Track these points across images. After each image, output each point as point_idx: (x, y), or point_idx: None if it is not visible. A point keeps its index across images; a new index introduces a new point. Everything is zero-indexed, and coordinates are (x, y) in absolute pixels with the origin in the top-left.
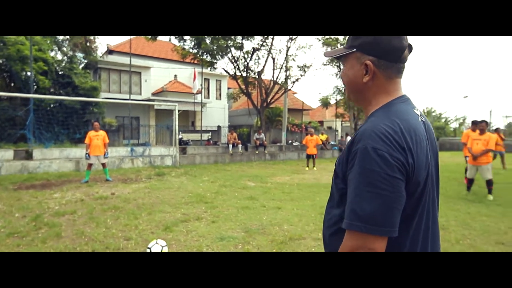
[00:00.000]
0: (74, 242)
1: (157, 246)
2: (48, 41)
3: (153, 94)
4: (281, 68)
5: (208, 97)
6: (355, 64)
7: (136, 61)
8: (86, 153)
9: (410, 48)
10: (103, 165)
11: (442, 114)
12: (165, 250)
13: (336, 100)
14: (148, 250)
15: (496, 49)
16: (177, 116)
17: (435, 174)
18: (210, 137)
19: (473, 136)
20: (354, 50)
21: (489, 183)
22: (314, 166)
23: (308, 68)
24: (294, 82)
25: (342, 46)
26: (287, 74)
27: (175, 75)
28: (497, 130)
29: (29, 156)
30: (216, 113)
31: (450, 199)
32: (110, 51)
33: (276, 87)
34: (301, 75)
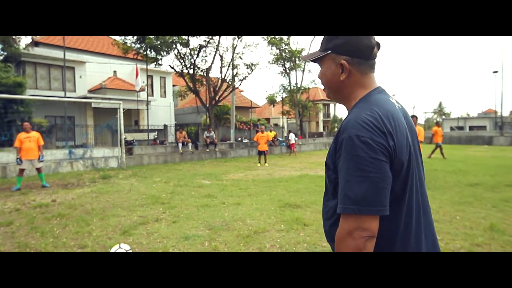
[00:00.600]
0: None
1: (121, 250)
2: None
3: (89, 92)
4: (228, 66)
5: (153, 95)
6: (331, 65)
7: (69, 55)
8: (17, 158)
9: (378, 45)
10: (38, 170)
11: None
12: None
13: (282, 97)
14: None
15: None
16: (121, 114)
17: (419, 155)
18: (156, 136)
19: None
20: (329, 52)
21: None
22: (265, 162)
23: (255, 66)
24: (241, 80)
25: (317, 49)
26: (235, 72)
27: (115, 71)
28: (437, 124)
29: None
30: (161, 112)
31: None
32: (35, 43)
33: (224, 85)
34: (248, 73)
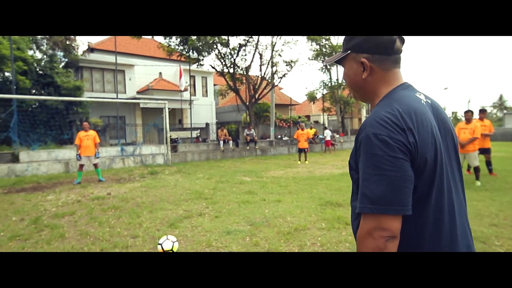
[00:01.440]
0: (80, 242)
1: (168, 241)
2: (26, 40)
3: (138, 93)
4: (268, 64)
5: (195, 94)
6: (352, 64)
7: (119, 59)
8: (77, 154)
9: (401, 39)
10: (95, 165)
11: None
12: (176, 245)
13: (322, 94)
14: (159, 246)
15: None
16: (167, 114)
17: (452, 152)
18: (199, 134)
19: (460, 126)
20: (349, 51)
21: (476, 169)
22: (306, 160)
23: (295, 63)
24: (281, 77)
25: (339, 51)
26: (274, 70)
27: (160, 73)
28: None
29: (15, 159)
30: (203, 110)
31: None
32: (91, 49)
33: (264, 83)
34: (288, 70)
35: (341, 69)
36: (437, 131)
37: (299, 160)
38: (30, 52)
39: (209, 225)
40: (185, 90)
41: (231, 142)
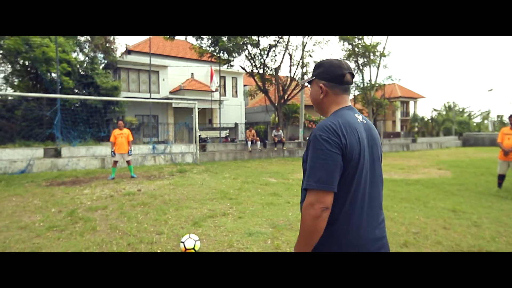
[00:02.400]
0: (110, 235)
1: (190, 240)
2: (71, 43)
3: (170, 93)
4: (298, 64)
5: (225, 95)
6: (315, 87)
7: (154, 60)
8: (112, 151)
9: (351, 74)
10: (128, 162)
11: (465, 108)
12: (198, 244)
13: (354, 95)
14: (181, 244)
15: None
16: (197, 113)
17: (376, 158)
18: (227, 134)
19: (504, 131)
20: (314, 78)
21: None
22: None
23: None
24: None
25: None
26: (304, 70)
27: (192, 74)
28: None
29: (57, 154)
30: (232, 111)
31: (481, 196)
32: (128, 51)
33: (293, 83)
34: None
35: (374, 69)
36: (363, 140)
37: None
38: (74, 54)
39: (232, 226)
40: (216, 90)
41: (258, 142)
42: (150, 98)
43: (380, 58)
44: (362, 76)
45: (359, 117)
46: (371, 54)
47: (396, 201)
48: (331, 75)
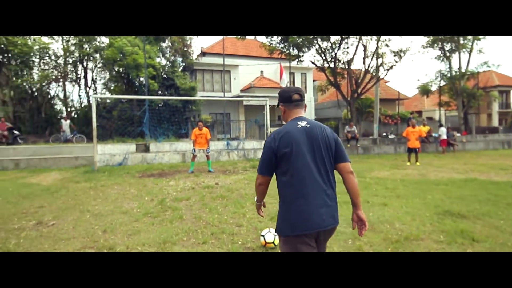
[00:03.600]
0: (195, 224)
1: (270, 234)
2: (155, 49)
3: (241, 91)
4: (372, 56)
5: None
6: (280, 107)
7: (226, 61)
8: (193, 148)
9: (298, 94)
10: (207, 157)
11: None
12: (277, 238)
13: (439, 86)
14: (262, 238)
15: None
16: (268, 110)
17: (317, 151)
18: None
19: None
20: (278, 104)
21: None
22: (417, 161)
23: (405, 53)
24: (387, 69)
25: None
26: (380, 62)
27: (262, 71)
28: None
29: (146, 149)
30: None
31: None
32: (203, 53)
33: (368, 76)
34: (396, 62)
35: (464, 56)
36: (298, 140)
37: (409, 161)
38: (158, 60)
39: None
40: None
41: None
42: (223, 96)
43: (473, 42)
44: (450, 64)
45: (302, 124)
46: (461, 38)
47: (501, 207)
48: (283, 98)
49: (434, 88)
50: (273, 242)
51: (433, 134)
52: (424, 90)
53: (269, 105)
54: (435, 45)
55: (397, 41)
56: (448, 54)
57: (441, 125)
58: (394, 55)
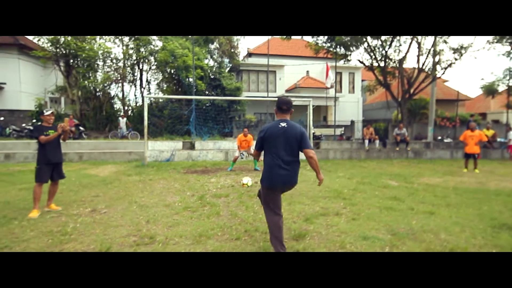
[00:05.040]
0: (230, 221)
1: (248, 179)
2: (204, 51)
3: (286, 91)
4: (428, 53)
5: (341, 91)
6: (274, 110)
7: (271, 61)
8: (240, 153)
9: (286, 105)
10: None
11: None
12: (250, 183)
13: (507, 86)
14: (243, 180)
15: None
16: (311, 111)
17: (285, 141)
18: (343, 132)
19: None
20: (275, 108)
21: None
22: (475, 168)
23: (466, 50)
24: (445, 68)
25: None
26: (436, 60)
27: (307, 71)
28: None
29: (192, 146)
30: (349, 107)
31: None
32: (249, 54)
33: (422, 75)
34: (456, 59)
35: None
36: (276, 134)
37: (466, 167)
38: (206, 61)
39: (345, 226)
40: (331, 87)
41: (377, 141)
42: (267, 96)
43: None
44: None
45: (282, 124)
46: None
47: None
48: (277, 106)
49: (501, 88)
50: (247, 184)
51: (499, 139)
52: (490, 90)
53: (313, 106)
54: (504, 40)
55: (457, 37)
56: None
57: (509, 129)
58: (454, 52)
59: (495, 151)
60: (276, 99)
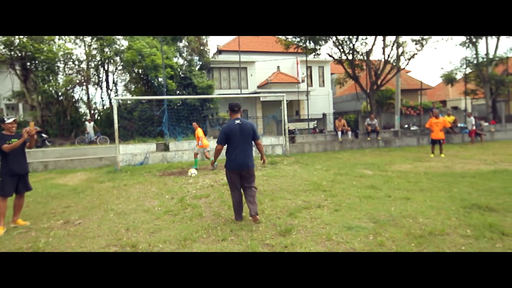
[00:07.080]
0: (214, 222)
1: (193, 170)
2: (172, 49)
3: (258, 87)
4: (392, 45)
5: (311, 85)
6: (229, 112)
7: (242, 57)
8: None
9: (237, 107)
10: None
11: None
12: (193, 173)
13: (464, 74)
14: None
15: None
16: (285, 106)
17: (246, 137)
18: (315, 125)
19: None
20: (228, 109)
21: None
22: (441, 153)
23: (427, 41)
24: (409, 59)
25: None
26: (400, 51)
27: (278, 67)
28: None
29: (166, 148)
30: (320, 101)
31: None
32: (219, 51)
33: (388, 67)
34: (418, 50)
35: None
36: (235, 131)
37: (432, 153)
38: (175, 60)
39: (329, 218)
40: (302, 81)
41: (349, 132)
42: (240, 93)
43: None
44: (476, 50)
45: (238, 122)
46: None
47: None
48: (230, 108)
49: (459, 76)
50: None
51: (459, 125)
52: (449, 79)
53: (286, 101)
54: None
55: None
56: (474, 40)
57: (469, 115)
58: (416, 44)
59: (457, 136)
60: (249, 95)
